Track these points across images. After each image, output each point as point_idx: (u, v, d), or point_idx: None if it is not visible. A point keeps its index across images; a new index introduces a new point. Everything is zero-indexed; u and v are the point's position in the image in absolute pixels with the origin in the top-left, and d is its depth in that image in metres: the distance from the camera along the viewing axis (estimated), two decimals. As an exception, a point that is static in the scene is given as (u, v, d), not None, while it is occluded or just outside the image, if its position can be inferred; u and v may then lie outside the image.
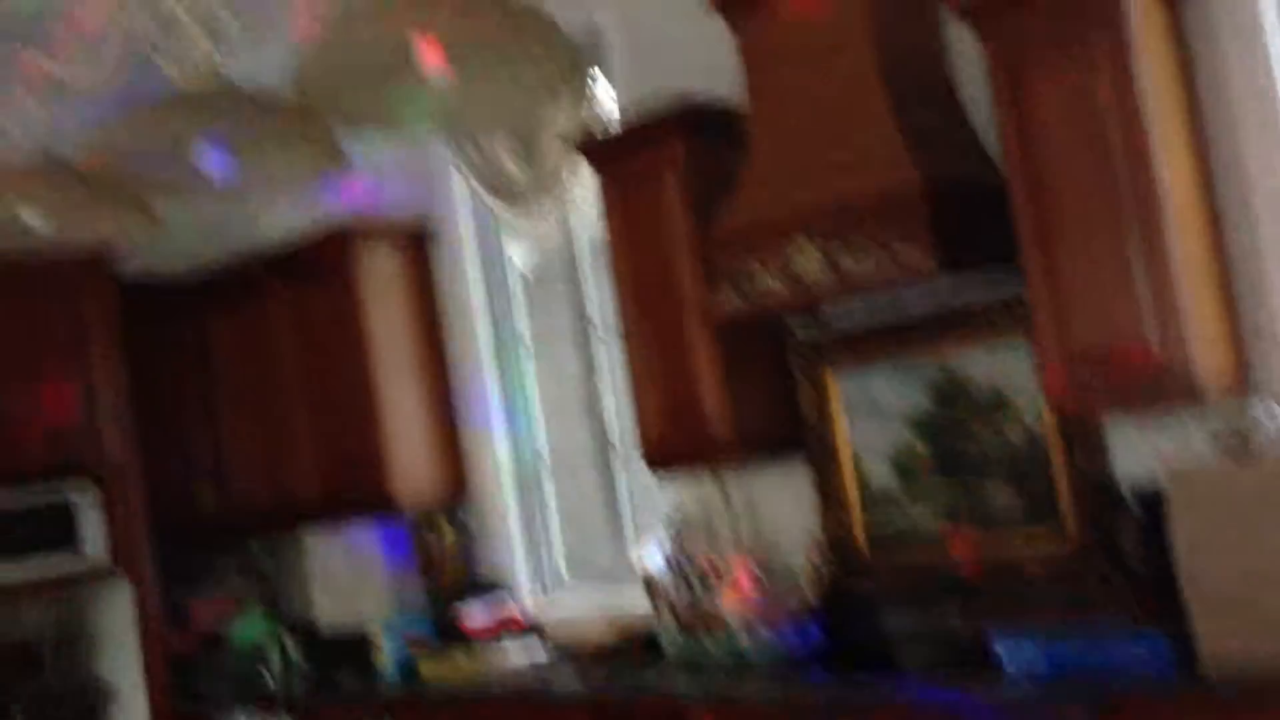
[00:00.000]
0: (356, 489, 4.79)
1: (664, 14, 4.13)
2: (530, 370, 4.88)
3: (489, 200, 4.60)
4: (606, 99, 4.31)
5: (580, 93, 2.03)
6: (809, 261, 3.22)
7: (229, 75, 2.28)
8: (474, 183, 4.65)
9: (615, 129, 3.96)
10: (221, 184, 2.34)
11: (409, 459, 4.77)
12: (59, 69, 2.31)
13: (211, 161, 2.20)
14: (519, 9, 1.82)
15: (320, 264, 4.87)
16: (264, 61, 2.65)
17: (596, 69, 4.28)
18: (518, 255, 4.84)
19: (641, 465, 3.99)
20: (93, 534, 4.60)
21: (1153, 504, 2.92)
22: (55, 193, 2.35)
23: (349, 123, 2.11)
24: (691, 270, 3.69)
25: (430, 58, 1.83)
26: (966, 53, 3.37)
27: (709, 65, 3.88)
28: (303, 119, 2.06)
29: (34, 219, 2.38)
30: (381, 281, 4.84)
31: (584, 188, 4.31)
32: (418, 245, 4.95)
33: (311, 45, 1.84)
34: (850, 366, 3.72)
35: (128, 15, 2.22)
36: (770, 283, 3.33)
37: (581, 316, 4.65)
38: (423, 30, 1.74)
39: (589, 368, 4.65)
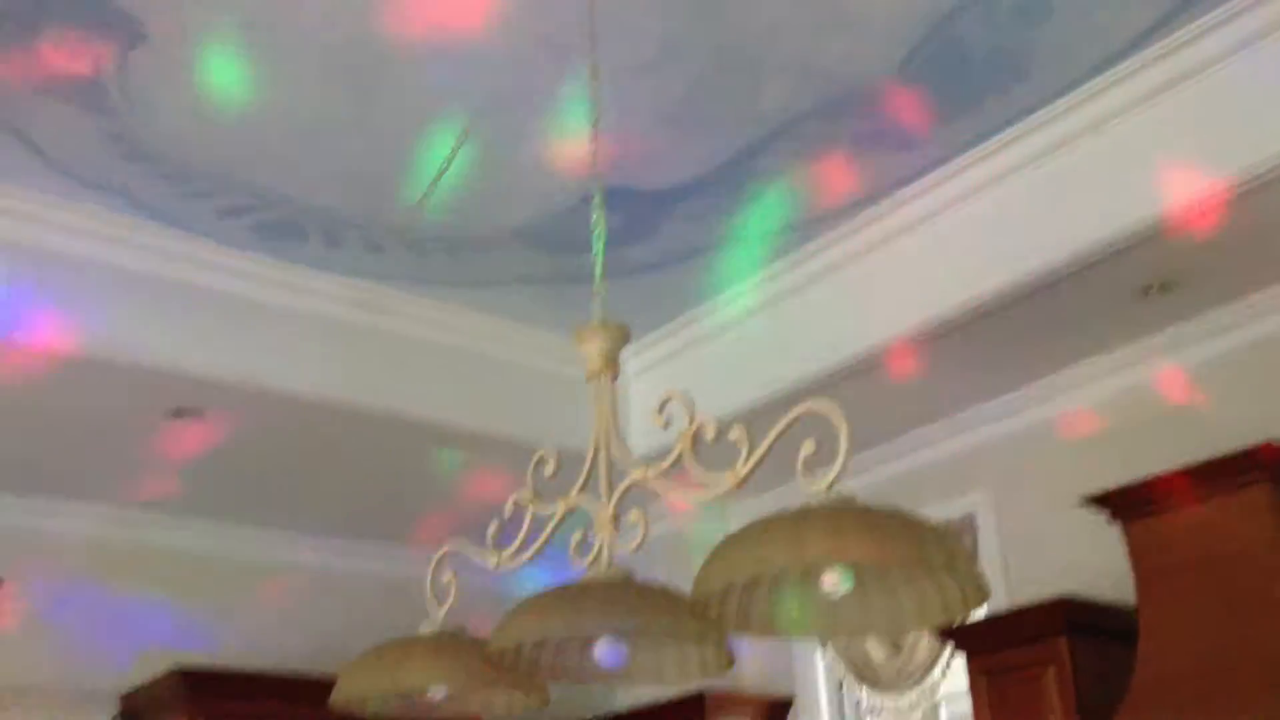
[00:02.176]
0: None
1: (1040, 504, 4.09)
2: None
3: (852, 682, 4.50)
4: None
5: (974, 604, 1.97)
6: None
7: (632, 568, 2.38)
8: (838, 665, 4.58)
9: (987, 616, 3.83)
10: (611, 674, 2.41)
11: None
12: (476, 555, 2.51)
13: (608, 653, 2.27)
14: (927, 529, 1.83)
15: (673, 730, 4.84)
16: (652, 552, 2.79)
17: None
18: (876, 735, 4.63)
19: None
20: None
21: None
22: (459, 669, 2.47)
23: (740, 629, 2.13)
24: (1078, 777, 3.38)
25: (833, 582, 1.86)
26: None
27: (1087, 556, 3.74)
28: (698, 621, 2.11)
29: (437, 692, 2.52)
30: (730, 754, 4.73)
31: (949, 666, 4.15)
32: (774, 716, 4.84)
33: (715, 558, 1.91)
34: None
35: (547, 508, 2.40)
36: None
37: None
38: (832, 554, 1.78)
39: None
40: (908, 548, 1.77)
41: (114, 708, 4.61)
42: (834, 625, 2.10)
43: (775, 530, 1.81)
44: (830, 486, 1.87)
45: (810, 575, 1.94)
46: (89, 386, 3.84)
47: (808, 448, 1.92)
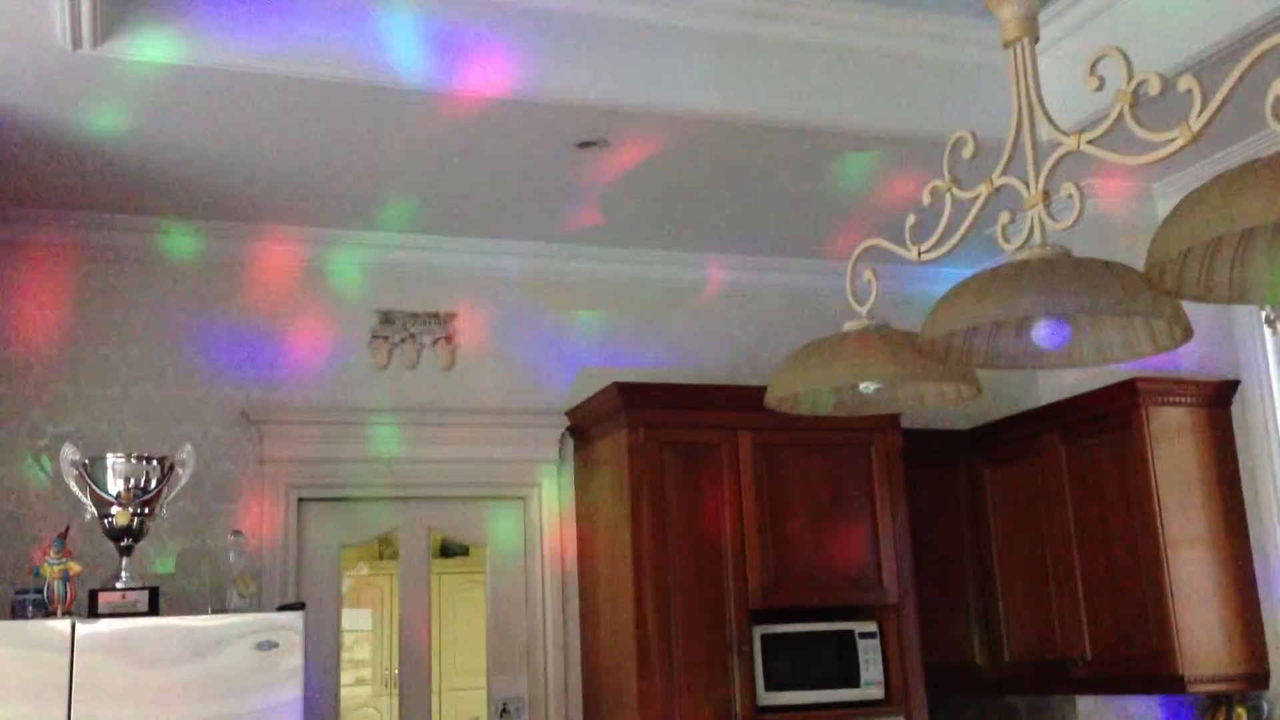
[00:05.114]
0: (1135, 660, 4.47)
1: None
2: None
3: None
4: None
5: None
6: None
7: (1065, 246, 2.26)
8: (1294, 338, 4.22)
9: None
10: (1051, 356, 2.33)
11: (1198, 634, 4.35)
12: (896, 249, 2.46)
13: (1048, 335, 2.19)
14: None
15: (1104, 419, 4.68)
16: (1081, 235, 2.62)
17: None
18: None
19: None
20: (871, 668, 4.75)
21: None
22: (889, 361, 2.47)
23: (1199, 297, 1.98)
24: None
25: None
26: None
27: None
28: (1146, 293, 1.97)
29: (869, 388, 2.54)
30: (1171, 440, 4.52)
31: None
32: (1215, 404, 4.58)
33: (1173, 219, 1.76)
34: None
35: (976, 196, 2.30)
36: None
37: None
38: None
39: None
40: None
41: (564, 422, 5.05)
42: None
43: (1246, 183, 1.62)
44: (1309, 129, 1.65)
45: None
46: (507, 127, 4.03)
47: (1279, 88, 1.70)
